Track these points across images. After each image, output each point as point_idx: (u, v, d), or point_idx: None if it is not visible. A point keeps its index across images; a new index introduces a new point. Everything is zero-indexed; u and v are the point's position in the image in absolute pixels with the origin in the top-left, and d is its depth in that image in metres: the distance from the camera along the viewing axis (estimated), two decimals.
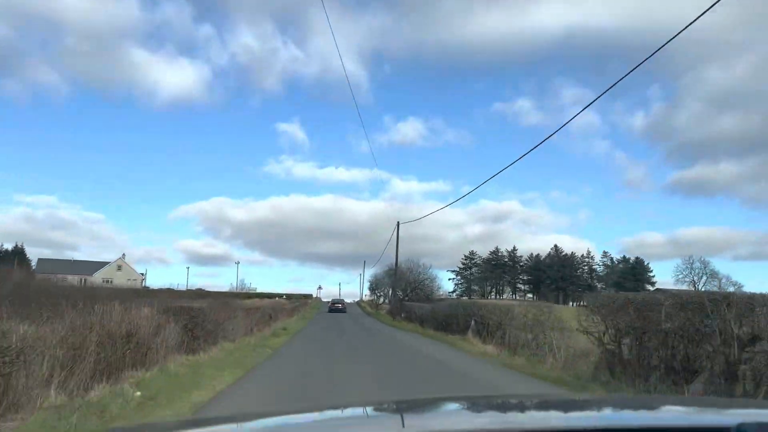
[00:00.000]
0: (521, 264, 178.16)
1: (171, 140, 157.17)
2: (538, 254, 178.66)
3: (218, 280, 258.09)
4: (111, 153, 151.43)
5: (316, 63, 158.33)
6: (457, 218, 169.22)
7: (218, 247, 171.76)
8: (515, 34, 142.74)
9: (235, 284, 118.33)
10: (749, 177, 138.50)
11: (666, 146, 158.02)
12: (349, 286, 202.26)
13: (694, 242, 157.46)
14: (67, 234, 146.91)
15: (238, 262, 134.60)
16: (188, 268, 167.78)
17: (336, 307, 64.96)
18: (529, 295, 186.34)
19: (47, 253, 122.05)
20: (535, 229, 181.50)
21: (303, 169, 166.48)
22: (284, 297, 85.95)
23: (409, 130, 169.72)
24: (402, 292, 50.07)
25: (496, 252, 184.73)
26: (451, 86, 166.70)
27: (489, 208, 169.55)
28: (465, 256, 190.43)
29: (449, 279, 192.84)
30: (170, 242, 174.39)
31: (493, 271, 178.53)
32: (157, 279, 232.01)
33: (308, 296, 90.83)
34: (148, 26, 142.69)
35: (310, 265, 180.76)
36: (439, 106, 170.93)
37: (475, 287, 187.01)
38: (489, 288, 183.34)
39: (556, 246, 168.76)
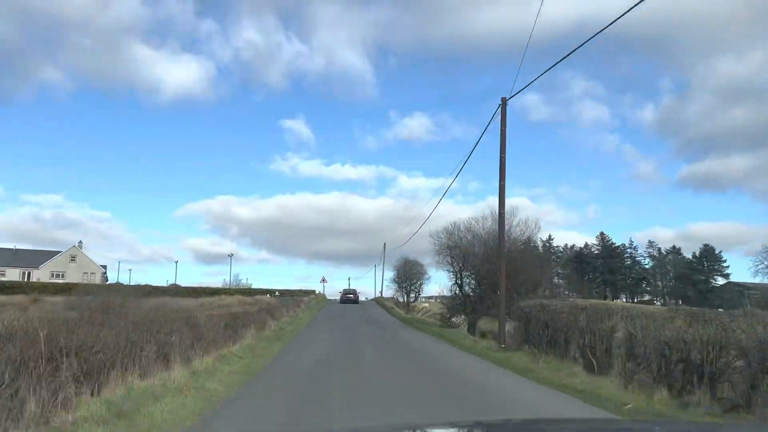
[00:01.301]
0: (558, 255, 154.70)
1: (175, 137, 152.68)
2: (573, 245, 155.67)
3: (224, 279, 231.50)
4: (116, 151, 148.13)
5: (320, 58, 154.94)
6: (463, 215, 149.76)
7: (225, 246, 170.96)
8: (523, 25, 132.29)
9: (228, 280, 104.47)
10: (762, 170, 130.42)
11: (676, 140, 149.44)
12: (361, 282, 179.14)
13: (705, 237, 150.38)
14: (74, 233, 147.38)
15: (231, 255, 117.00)
16: (177, 262, 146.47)
17: (348, 297, 59.13)
18: (565, 292, 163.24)
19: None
20: (543, 225, 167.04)
21: (309, 167, 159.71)
22: (276, 293, 63.31)
23: (416, 125, 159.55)
24: (473, 278, 27.82)
25: (527, 242, 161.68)
26: (458, 80, 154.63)
27: (496, 204, 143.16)
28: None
29: None
30: (177, 241, 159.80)
31: None
32: (160, 276, 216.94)
33: (310, 292, 68.51)
34: (151, 22, 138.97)
35: (318, 263, 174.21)
36: (446, 100, 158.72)
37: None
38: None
39: (602, 234, 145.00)
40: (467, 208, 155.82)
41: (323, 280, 64.70)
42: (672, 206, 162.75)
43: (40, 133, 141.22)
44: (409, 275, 54.44)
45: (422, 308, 62.83)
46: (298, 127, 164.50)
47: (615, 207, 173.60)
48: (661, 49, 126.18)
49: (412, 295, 56.24)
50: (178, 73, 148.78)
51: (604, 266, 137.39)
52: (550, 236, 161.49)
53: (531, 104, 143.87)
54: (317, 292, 67.61)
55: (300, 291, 72.13)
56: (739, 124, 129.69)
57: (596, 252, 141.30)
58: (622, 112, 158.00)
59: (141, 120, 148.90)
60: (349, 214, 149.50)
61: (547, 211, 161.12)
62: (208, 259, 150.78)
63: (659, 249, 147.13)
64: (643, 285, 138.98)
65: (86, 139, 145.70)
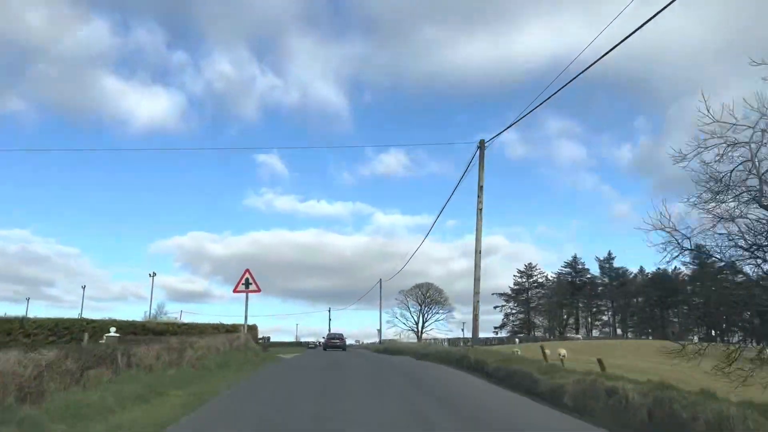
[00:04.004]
0: (617, 283, 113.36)
1: (146, 171, 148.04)
2: (635, 268, 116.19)
3: (197, 318, 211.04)
4: (85, 185, 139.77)
5: (295, 92, 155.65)
6: (442, 253, 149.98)
7: (198, 283, 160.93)
8: (498, 63, 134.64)
9: (149, 312, 73.41)
10: None
11: (653, 180, 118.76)
12: (342, 321, 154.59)
13: None
14: (41, 269, 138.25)
15: (154, 274, 77.68)
16: (84, 287, 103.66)
17: (333, 343, 45.40)
18: (618, 331, 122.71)
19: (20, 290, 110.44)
20: (521, 264, 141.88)
21: (284, 203, 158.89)
22: (111, 331, 19.10)
23: (392, 161, 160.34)
24: None
25: (573, 264, 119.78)
26: (434, 117, 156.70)
27: (473, 242, 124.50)
28: (519, 271, 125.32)
29: (494, 307, 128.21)
30: (148, 278, 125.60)
31: (573, 294, 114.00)
32: (126, 314, 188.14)
33: (225, 331, 25.65)
34: (120, 52, 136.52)
35: (293, 301, 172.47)
36: (422, 137, 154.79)
37: (539, 319, 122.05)
38: (565, 319, 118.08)
39: (698, 248, 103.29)
40: (444, 246, 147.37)
41: (245, 283, 21.41)
42: (649, 247, 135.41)
43: (3, 165, 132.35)
44: None
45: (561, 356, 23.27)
46: (272, 161, 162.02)
47: (593, 246, 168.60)
48: (636, 89, 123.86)
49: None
50: (148, 105, 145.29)
51: (703, 294, 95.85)
52: (609, 254, 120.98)
53: (508, 142, 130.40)
54: (241, 330, 23.85)
55: (214, 326, 29.52)
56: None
57: (690, 275, 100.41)
58: (599, 151, 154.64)
59: (110, 153, 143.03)
60: (325, 251, 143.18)
61: (523, 250, 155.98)
62: (179, 296, 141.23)
63: None
64: None
65: (53, 172, 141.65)
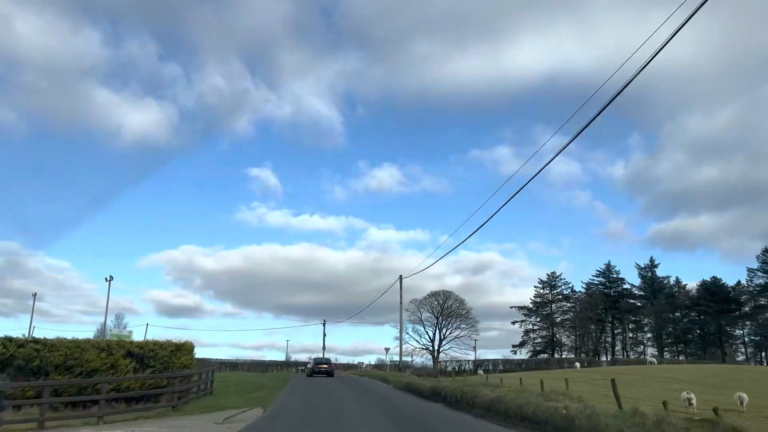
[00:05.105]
0: (663, 295, 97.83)
1: (137, 184, 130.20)
2: (682, 279, 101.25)
3: (186, 334, 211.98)
4: (75, 197, 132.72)
5: (288, 105, 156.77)
6: (437, 270, 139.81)
7: (189, 298, 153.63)
8: (492, 78, 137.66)
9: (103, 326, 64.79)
10: (729, 230, 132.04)
11: (646, 198, 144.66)
12: (339, 335, 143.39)
13: None
14: (30, 283, 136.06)
15: (111, 278, 66.38)
16: (35, 294, 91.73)
17: (320, 368, 45.66)
18: (660, 353, 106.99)
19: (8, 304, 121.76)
20: (516, 281, 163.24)
21: (276, 217, 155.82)
22: None
23: (385, 176, 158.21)
24: None
25: (607, 273, 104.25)
26: (428, 132, 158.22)
27: (468, 259, 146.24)
28: (541, 281, 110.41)
29: (512, 323, 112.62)
30: (139, 293, 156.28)
31: (610, 308, 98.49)
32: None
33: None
34: (112, 64, 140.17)
35: (285, 317, 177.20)
36: (416, 151, 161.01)
37: (568, 338, 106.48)
38: (599, 338, 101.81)
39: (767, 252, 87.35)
40: (439, 262, 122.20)
41: None
42: (643, 264, 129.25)
43: None
44: None
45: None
46: (265, 175, 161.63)
47: (586, 264, 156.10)
48: (630, 106, 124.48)
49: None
50: (139, 118, 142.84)
51: None
52: (652, 260, 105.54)
53: (502, 158, 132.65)
54: None
55: None
56: (706, 183, 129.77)
57: (752, 287, 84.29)
58: (593, 168, 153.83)
59: (101, 166, 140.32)
60: (317, 266, 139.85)
61: (517, 267, 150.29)
62: (171, 311, 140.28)
63: None
64: None
65: (43, 184, 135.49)
